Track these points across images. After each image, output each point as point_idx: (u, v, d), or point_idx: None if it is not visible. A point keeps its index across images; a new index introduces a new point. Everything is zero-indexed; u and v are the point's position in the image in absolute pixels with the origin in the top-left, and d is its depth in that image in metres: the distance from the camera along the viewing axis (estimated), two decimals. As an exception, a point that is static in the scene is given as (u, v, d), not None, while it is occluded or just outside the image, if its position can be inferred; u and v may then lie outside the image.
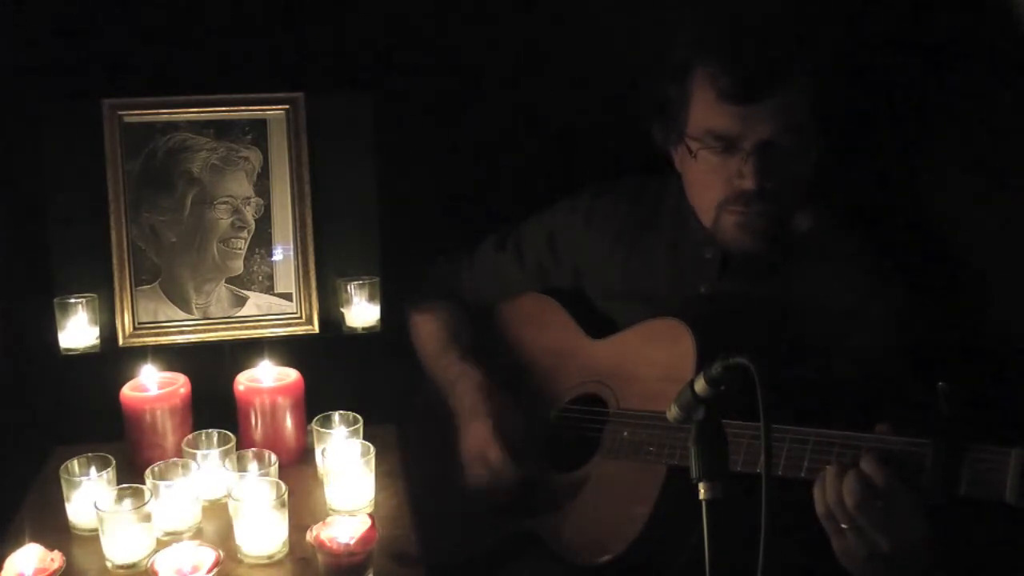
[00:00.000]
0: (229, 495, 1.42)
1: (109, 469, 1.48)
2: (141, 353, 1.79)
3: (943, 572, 1.26)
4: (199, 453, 1.53)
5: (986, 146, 1.68)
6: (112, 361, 1.80)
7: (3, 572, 1.26)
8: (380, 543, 1.35)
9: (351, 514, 1.38)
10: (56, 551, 1.31)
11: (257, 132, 1.87)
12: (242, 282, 1.89)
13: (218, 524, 1.49)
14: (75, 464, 1.48)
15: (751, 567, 1.02)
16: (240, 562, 1.39)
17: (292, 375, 1.68)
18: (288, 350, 1.79)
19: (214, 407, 1.67)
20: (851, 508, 1.21)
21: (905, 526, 1.21)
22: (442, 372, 1.78)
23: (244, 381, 1.67)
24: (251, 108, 1.87)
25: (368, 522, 1.33)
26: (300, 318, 1.89)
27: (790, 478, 1.30)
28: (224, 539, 1.43)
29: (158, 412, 1.61)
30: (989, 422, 1.23)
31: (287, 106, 1.87)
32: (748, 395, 1.04)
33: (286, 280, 1.90)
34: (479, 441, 1.63)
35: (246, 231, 1.88)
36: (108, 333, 1.83)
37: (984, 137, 1.68)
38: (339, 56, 2.01)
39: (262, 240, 1.89)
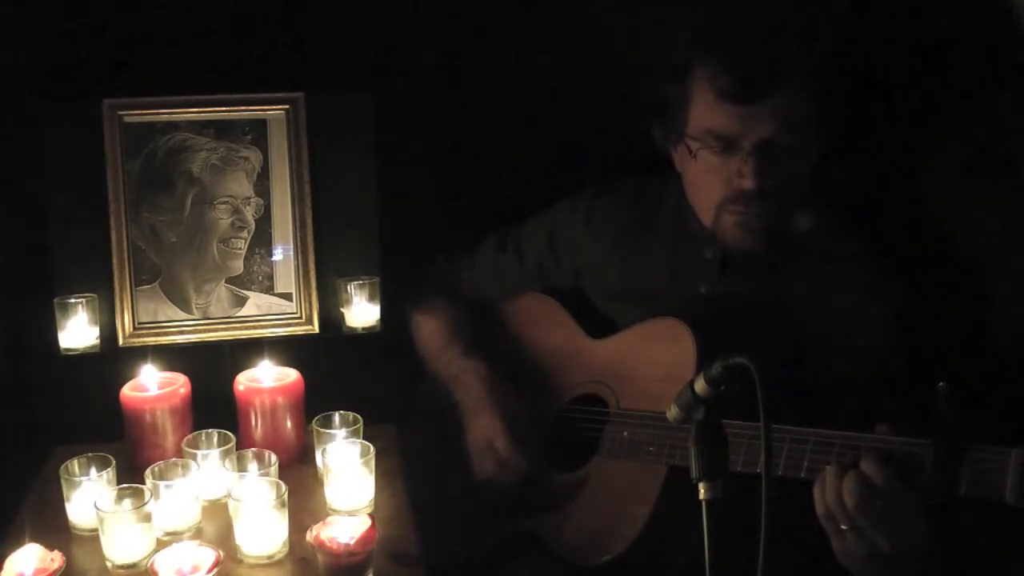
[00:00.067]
0: (229, 495, 1.42)
1: (109, 469, 1.48)
2: (141, 353, 1.79)
3: (943, 572, 1.26)
4: (199, 453, 1.53)
5: (986, 146, 1.68)
6: (112, 361, 1.80)
7: (3, 572, 1.26)
8: (380, 543, 1.35)
9: (351, 514, 1.38)
10: (56, 551, 1.31)
11: (257, 132, 1.88)
12: (242, 282, 1.89)
13: (218, 524, 1.48)
14: (75, 464, 1.47)
15: (751, 567, 1.02)
16: (240, 562, 1.39)
17: (292, 375, 1.68)
18: (288, 350, 1.79)
19: (214, 407, 1.67)
20: (851, 508, 1.21)
21: (905, 526, 1.21)
22: (446, 368, 1.78)
23: (244, 381, 1.67)
24: (251, 108, 1.87)
25: (368, 522, 1.33)
26: (300, 318, 1.89)
27: (790, 478, 1.30)
28: (224, 539, 1.43)
29: (158, 412, 1.61)
30: (989, 422, 1.23)
31: (287, 106, 1.87)
32: (748, 395, 1.04)
33: (286, 280, 1.90)
34: (486, 432, 1.63)
35: (246, 231, 1.88)
36: (108, 333, 1.83)
37: (984, 137, 1.68)
38: (339, 56, 2.01)
39: (262, 240, 1.89)
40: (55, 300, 1.80)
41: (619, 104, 1.96)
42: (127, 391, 1.63)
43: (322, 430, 1.61)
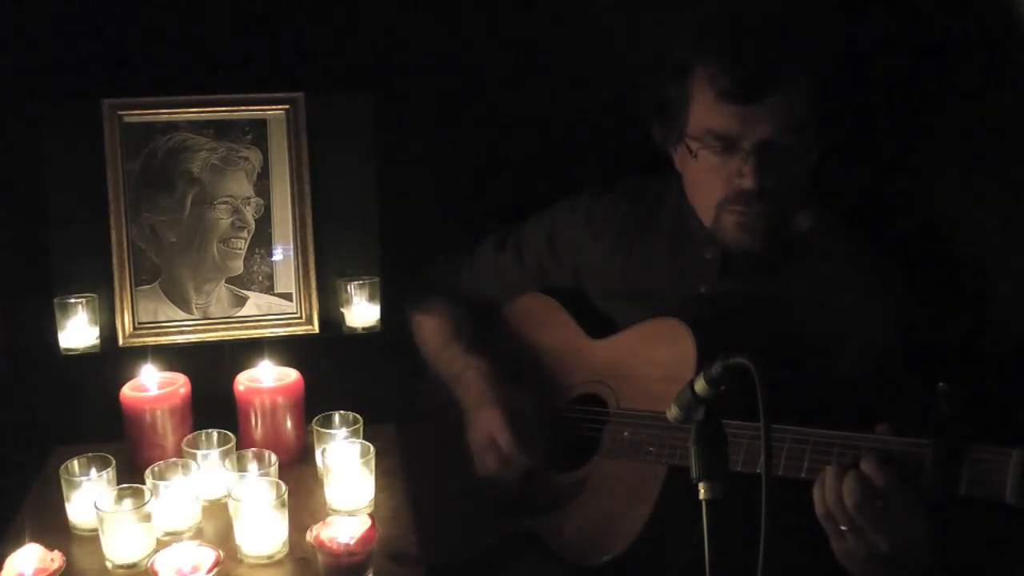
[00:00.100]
0: (229, 495, 1.42)
1: (109, 469, 1.48)
2: (141, 353, 1.79)
3: (943, 572, 1.26)
4: (199, 453, 1.53)
5: (986, 146, 1.68)
6: (112, 361, 1.80)
7: (3, 572, 1.26)
8: (380, 543, 1.35)
9: (351, 514, 1.38)
10: (56, 551, 1.31)
11: (257, 132, 1.87)
12: (242, 282, 1.89)
13: (218, 524, 1.48)
14: (75, 464, 1.47)
15: (751, 567, 1.02)
16: (240, 562, 1.39)
17: (292, 375, 1.68)
18: (288, 350, 1.79)
19: (214, 407, 1.67)
20: (851, 508, 1.21)
21: (905, 526, 1.21)
22: (447, 366, 1.78)
23: (244, 381, 1.67)
24: (251, 108, 1.87)
25: (368, 522, 1.33)
26: (300, 318, 1.89)
27: (790, 478, 1.30)
28: (224, 539, 1.43)
29: (158, 412, 1.61)
30: (989, 422, 1.23)
31: (287, 106, 1.87)
32: (748, 395, 1.04)
33: (286, 280, 1.90)
34: (489, 427, 1.62)
35: (246, 231, 1.88)
36: (108, 333, 1.83)
37: (984, 137, 1.68)
38: (339, 56, 2.01)
39: (262, 240, 1.89)
40: (55, 300, 1.79)
41: (619, 104, 1.96)
42: (127, 391, 1.63)
43: (322, 430, 1.61)
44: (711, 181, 1.54)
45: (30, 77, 1.88)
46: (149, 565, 1.28)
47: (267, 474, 1.48)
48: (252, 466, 1.51)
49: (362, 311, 1.90)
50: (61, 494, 1.46)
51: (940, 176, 1.78)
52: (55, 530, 1.45)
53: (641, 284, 1.68)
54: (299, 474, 1.62)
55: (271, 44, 1.98)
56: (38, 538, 1.33)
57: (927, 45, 1.75)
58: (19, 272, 1.92)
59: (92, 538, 1.41)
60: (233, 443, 1.56)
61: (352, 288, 1.89)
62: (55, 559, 1.29)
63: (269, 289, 1.90)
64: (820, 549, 1.29)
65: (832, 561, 1.28)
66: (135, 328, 1.84)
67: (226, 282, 1.88)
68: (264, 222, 1.89)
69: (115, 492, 1.40)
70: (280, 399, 1.65)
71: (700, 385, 1.13)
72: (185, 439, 1.57)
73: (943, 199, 1.78)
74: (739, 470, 1.33)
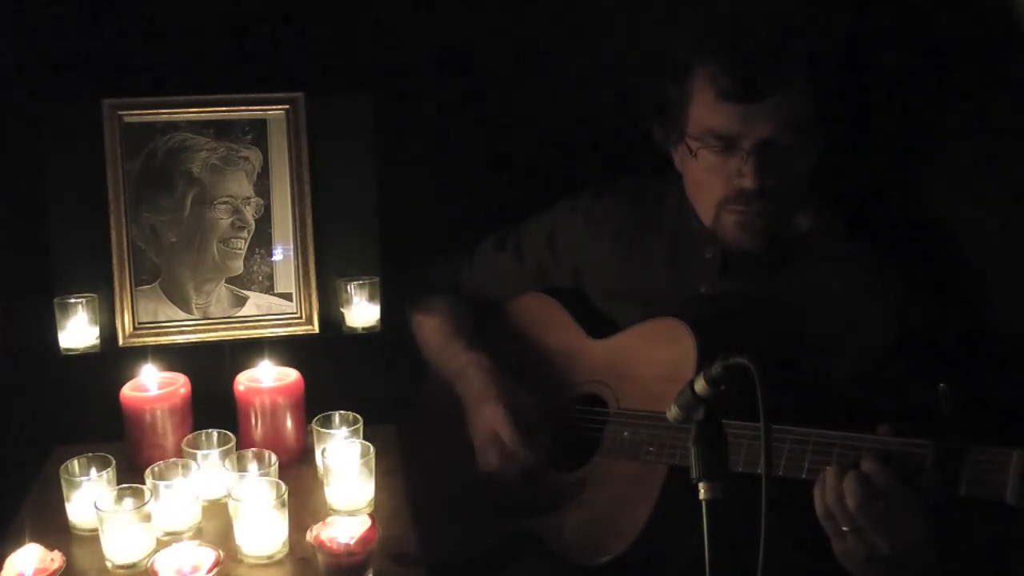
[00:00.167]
0: (229, 495, 1.42)
1: (109, 469, 1.48)
2: (141, 353, 1.79)
3: (943, 572, 1.25)
4: (199, 453, 1.53)
5: (986, 146, 1.68)
6: (112, 361, 1.80)
7: (3, 572, 1.26)
8: (380, 543, 1.35)
9: (351, 514, 1.38)
10: (56, 551, 1.31)
11: (257, 132, 1.87)
12: (242, 282, 1.89)
13: (218, 524, 1.48)
14: (75, 464, 1.47)
15: (751, 567, 1.02)
16: (240, 562, 1.39)
17: (292, 375, 1.68)
18: (288, 350, 1.79)
19: (214, 407, 1.67)
20: (851, 509, 1.21)
21: (905, 527, 1.21)
22: (448, 363, 1.78)
23: (244, 381, 1.67)
24: (251, 108, 1.87)
25: (368, 522, 1.33)
26: (300, 318, 1.89)
27: (790, 479, 1.30)
28: (224, 539, 1.43)
29: (158, 412, 1.61)
30: (989, 422, 1.23)
31: (287, 106, 1.87)
32: (748, 395, 1.04)
33: (286, 280, 1.90)
34: (491, 422, 1.62)
35: (246, 231, 1.88)
36: (108, 333, 1.83)
37: (984, 137, 1.68)
38: (339, 56, 2.01)
39: (262, 240, 1.89)
40: (55, 300, 1.79)
41: (619, 104, 1.96)
42: (127, 391, 1.63)
43: (322, 430, 1.61)
44: (711, 181, 1.54)
45: (30, 77, 1.88)
46: (149, 565, 1.28)
47: (267, 474, 1.48)
48: (252, 466, 1.51)
49: (362, 311, 1.90)
50: (61, 494, 1.46)
51: (940, 176, 1.78)
52: (55, 530, 1.45)
53: (641, 284, 1.68)
54: (299, 474, 1.62)
55: (271, 44, 1.98)
56: (38, 538, 1.33)
57: (927, 45, 1.74)
58: (19, 272, 1.91)
59: (92, 538, 1.41)
60: (233, 443, 1.56)
61: (352, 288, 1.89)
62: (55, 559, 1.29)
63: (269, 289, 1.89)
64: (820, 549, 1.29)
65: (832, 561, 1.28)
66: (135, 328, 1.84)
67: (226, 282, 1.88)
68: (264, 222, 1.88)
69: (115, 492, 1.40)
70: (280, 399, 1.65)
71: (700, 385, 1.13)
72: (185, 439, 1.57)
73: (943, 199, 1.78)
74: (740, 470, 1.33)
